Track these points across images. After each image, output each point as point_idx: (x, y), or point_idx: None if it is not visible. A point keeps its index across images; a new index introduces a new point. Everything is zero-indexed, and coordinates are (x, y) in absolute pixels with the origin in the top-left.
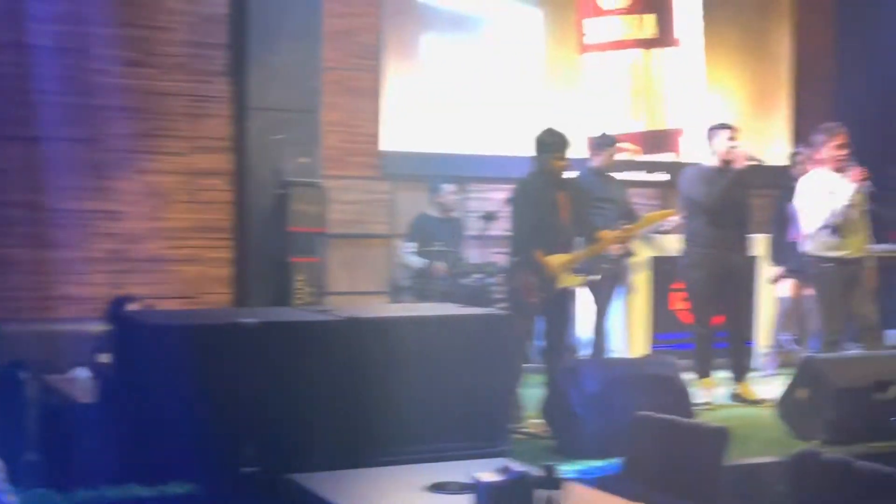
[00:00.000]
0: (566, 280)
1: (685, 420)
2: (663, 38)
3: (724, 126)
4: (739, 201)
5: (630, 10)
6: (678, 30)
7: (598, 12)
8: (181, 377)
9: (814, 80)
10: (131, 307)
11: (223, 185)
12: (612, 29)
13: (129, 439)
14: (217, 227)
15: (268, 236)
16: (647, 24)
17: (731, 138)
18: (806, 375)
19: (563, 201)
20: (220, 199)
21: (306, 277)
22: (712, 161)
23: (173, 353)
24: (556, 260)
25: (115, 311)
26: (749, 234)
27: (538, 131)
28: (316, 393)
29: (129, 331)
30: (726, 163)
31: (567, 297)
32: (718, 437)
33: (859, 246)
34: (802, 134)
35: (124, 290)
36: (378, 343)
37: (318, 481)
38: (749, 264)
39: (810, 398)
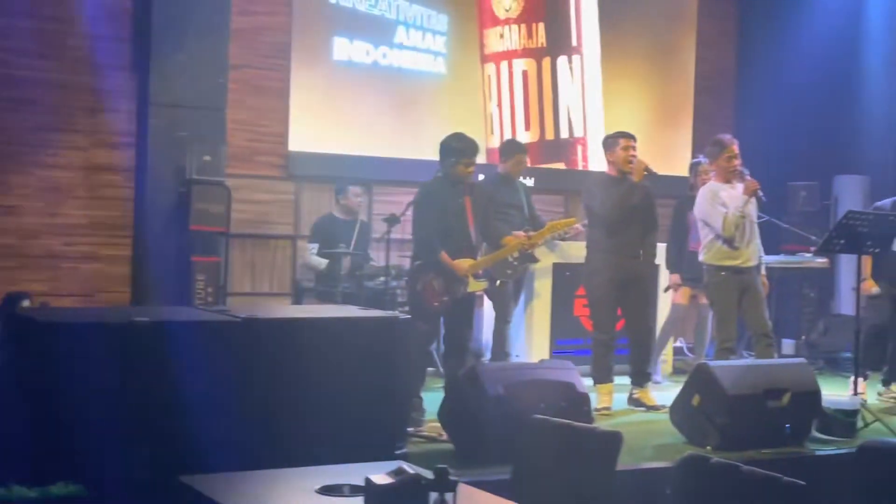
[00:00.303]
0: (469, 285)
1: (579, 424)
2: (555, 47)
3: (621, 135)
4: (640, 209)
5: (520, 20)
6: (575, 39)
7: (495, 22)
8: (73, 376)
9: (716, 91)
10: (24, 305)
11: (123, 181)
12: (505, 38)
13: (16, 438)
14: (116, 225)
15: (169, 235)
16: (537, 34)
17: (628, 147)
18: (699, 382)
19: (467, 206)
20: (120, 195)
21: (207, 277)
22: (610, 170)
23: (65, 351)
24: (459, 264)
25: (8, 308)
26: (652, 241)
27: (445, 136)
28: (210, 394)
29: (21, 329)
30: (624, 172)
31: (469, 301)
32: (611, 441)
33: (753, 255)
34: (704, 144)
35: (18, 286)
36: (275, 344)
37: (209, 483)
38: (650, 271)
39: (703, 405)
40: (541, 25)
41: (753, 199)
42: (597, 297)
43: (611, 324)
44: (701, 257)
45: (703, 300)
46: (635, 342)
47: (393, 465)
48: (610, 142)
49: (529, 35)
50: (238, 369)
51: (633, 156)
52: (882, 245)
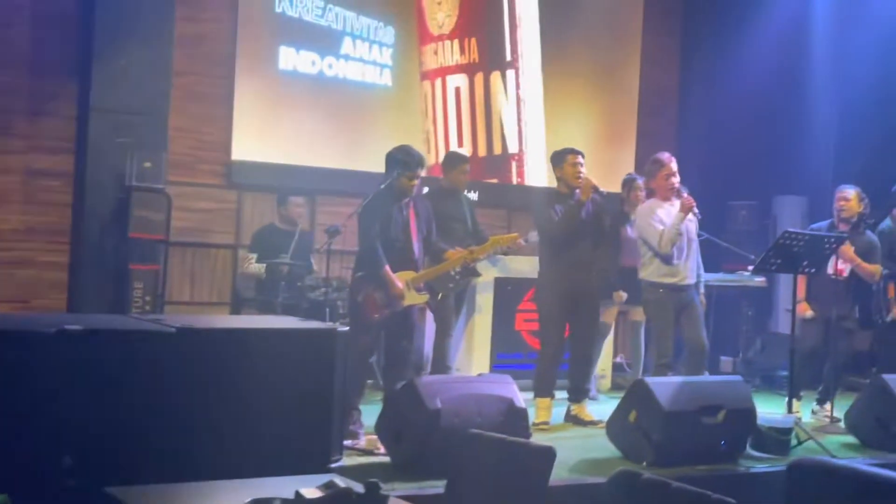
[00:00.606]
0: (410, 298)
1: (512, 439)
2: (489, 62)
3: (569, 151)
4: (590, 224)
5: (453, 36)
6: (510, 54)
7: (430, 38)
8: (1, 384)
9: (659, 110)
10: None
11: (62, 186)
12: (439, 55)
13: None
14: (54, 230)
15: (107, 242)
16: (470, 49)
17: (576, 164)
18: (636, 398)
19: (411, 219)
20: (58, 200)
21: (145, 285)
22: (559, 186)
23: None
24: (401, 277)
25: None
26: (603, 255)
27: (392, 148)
28: (140, 404)
29: None
30: (572, 188)
31: (410, 314)
32: (544, 456)
33: (691, 273)
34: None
35: None
36: (210, 355)
37: (136, 495)
38: (598, 288)
39: (640, 421)
40: (474, 41)
41: (693, 218)
42: (547, 311)
43: (559, 339)
44: (640, 274)
45: (636, 317)
46: (578, 358)
47: (325, 478)
48: (558, 157)
49: (463, 51)
50: (171, 379)
51: (581, 172)
52: (817, 266)
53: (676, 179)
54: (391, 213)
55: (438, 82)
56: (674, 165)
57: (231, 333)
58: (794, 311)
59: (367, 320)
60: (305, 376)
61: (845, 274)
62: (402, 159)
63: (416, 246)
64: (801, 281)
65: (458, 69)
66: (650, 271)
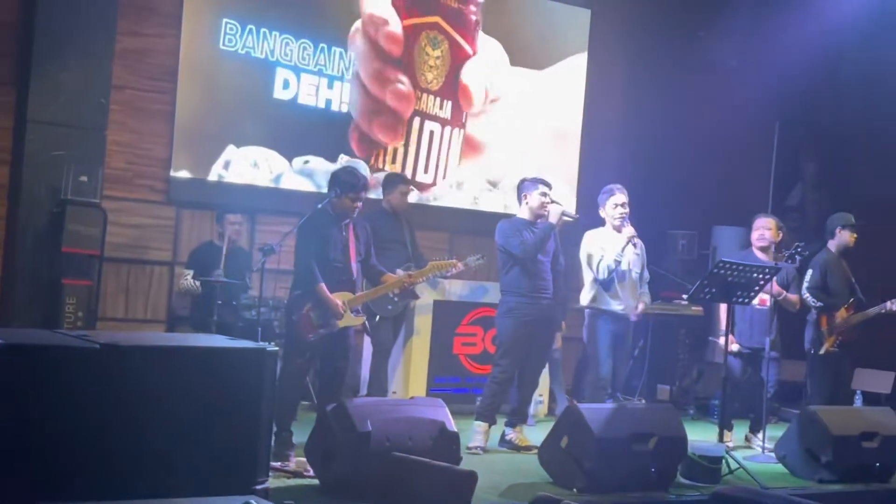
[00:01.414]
0: (347, 319)
1: (435, 463)
2: (456, 120)
3: (539, 181)
4: (551, 253)
5: (437, 94)
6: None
7: (419, 88)
8: None
9: (603, 140)
10: None
11: None
12: (423, 101)
13: None
14: None
15: (40, 256)
16: (445, 108)
17: (545, 193)
18: (568, 424)
19: (350, 240)
20: None
21: (78, 301)
22: (525, 214)
23: None
24: (339, 298)
25: None
26: (561, 282)
27: (337, 168)
28: (61, 421)
29: None
30: (539, 216)
31: (345, 335)
32: (466, 480)
33: (630, 304)
34: (589, 193)
35: None
36: (135, 372)
37: None
38: (560, 313)
39: (571, 446)
40: (450, 103)
41: (638, 249)
42: (507, 336)
43: (515, 366)
44: (582, 299)
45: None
46: (526, 382)
47: (242, 499)
48: (527, 185)
49: (441, 107)
50: (94, 397)
51: (547, 202)
52: (750, 296)
53: (624, 210)
54: (330, 233)
55: (417, 120)
56: (623, 196)
57: (156, 351)
58: (727, 341)
59: (301, 340)
60: (232, 396)
61: (768, 304)
62: (346, 180)
63: (355, 267)
64: (724, 312)
65: (435, 118)
66: (591, 296)
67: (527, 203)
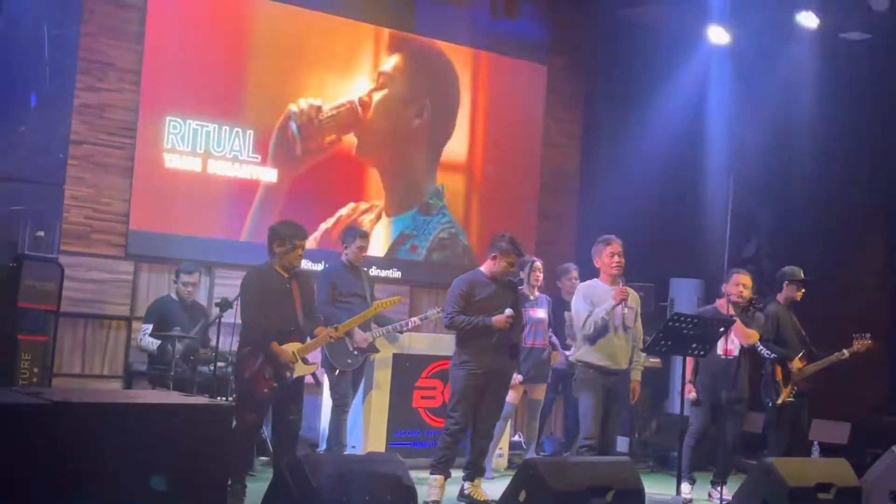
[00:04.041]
0: (299, 369)
1: None
2: None
3: (511, 249)
4: (506, 307)
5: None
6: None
7: None
8: None
9: (559, 192)
10: None
11: None
12: None
13: None
14: None
15: None
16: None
17: (512, 263)
18: (526, 478)
19: (294, 291)
20: None
21: (33, 357)
22: (486, 269)
23: None
24: (288, 349)
25: None
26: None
27: (273, 223)
28: (12, 480)
29: None
30: (503, 274)
31: (299, 386)
32: None
33: (624, 358)
34: (546, 243)
35: None
36: (87, 429)
37: None
38: (514, 366)
39: (528, 501)
40: None
41: (632, 305)
42: (461, 388)
43: (468, 418)
44: (572, 354)
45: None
46: (480, 435)
47: None
48: (501, 249)
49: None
50: (47, 454)
51: (512, 270)
52: (707, 349)
53: (621, 260)
54: (273, 286)
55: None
56: (618, 246)
57: (110, 409)
58: (682, 392)
59: (255, 396)
60: (187, 452)
61: (735, 353)
62: (288, 232)
63: (301, 317)
64: (689, 362)
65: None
66: (583, 351)
67: (494, 263)
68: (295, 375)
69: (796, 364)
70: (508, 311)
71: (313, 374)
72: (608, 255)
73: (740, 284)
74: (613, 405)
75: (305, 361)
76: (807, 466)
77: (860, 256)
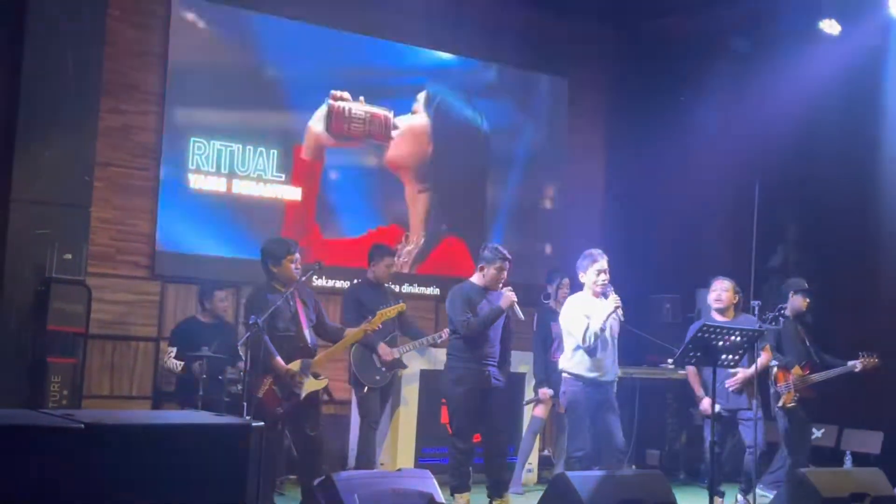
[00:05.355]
0: (310, 384)
1: None
2: None
3: (500, 258)
4: (504, 320)
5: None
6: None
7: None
8: None
9: (585, 204)
10: None
11: None
12: None
13: None
14: None
15: (24, 334)
16: None
17: (502, 269)
18: (557, 493)
19: (298, 308)
20: None
21: (63, 379)
22: (478, 281)
23: None
24: (294, 366)
25: None
26: (508, 349)
27: (263, 241)
28: (49, 501)
29: None
30: (491, 288)
31: (314, 402)
32: None
33: (611, 370)
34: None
35: None
36: (119, 451)
37: None
38: (510, 381)
39: None
40: None
41: (616, 317)
42: (457, 405)
43: (470, 432)
44: (561, 366)
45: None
46: (491, 452)
47: None
48: (488, 257)
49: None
50: (80, 477)
51: (503, 278)
52: (736, 361)
53: (606, 276)
54: (276, 304)
55: None
56: (605, 262)
57: (141, 430)
58: (713, 405)
59: (270, 415)
60: (218, 472)
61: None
62: (278, 249)
63: (308, 333)
64: (695, 377)
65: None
66: (574, 363)
67: (483, 275)
68: (307, 391)
69: (797, 371)
70: (508, 289)
71: (326, 389)
72: (594, 272)
73: (717, 290)
74: (607, 414)
75: (316, 377)
76: (840, 476)
77: (890, 268)
